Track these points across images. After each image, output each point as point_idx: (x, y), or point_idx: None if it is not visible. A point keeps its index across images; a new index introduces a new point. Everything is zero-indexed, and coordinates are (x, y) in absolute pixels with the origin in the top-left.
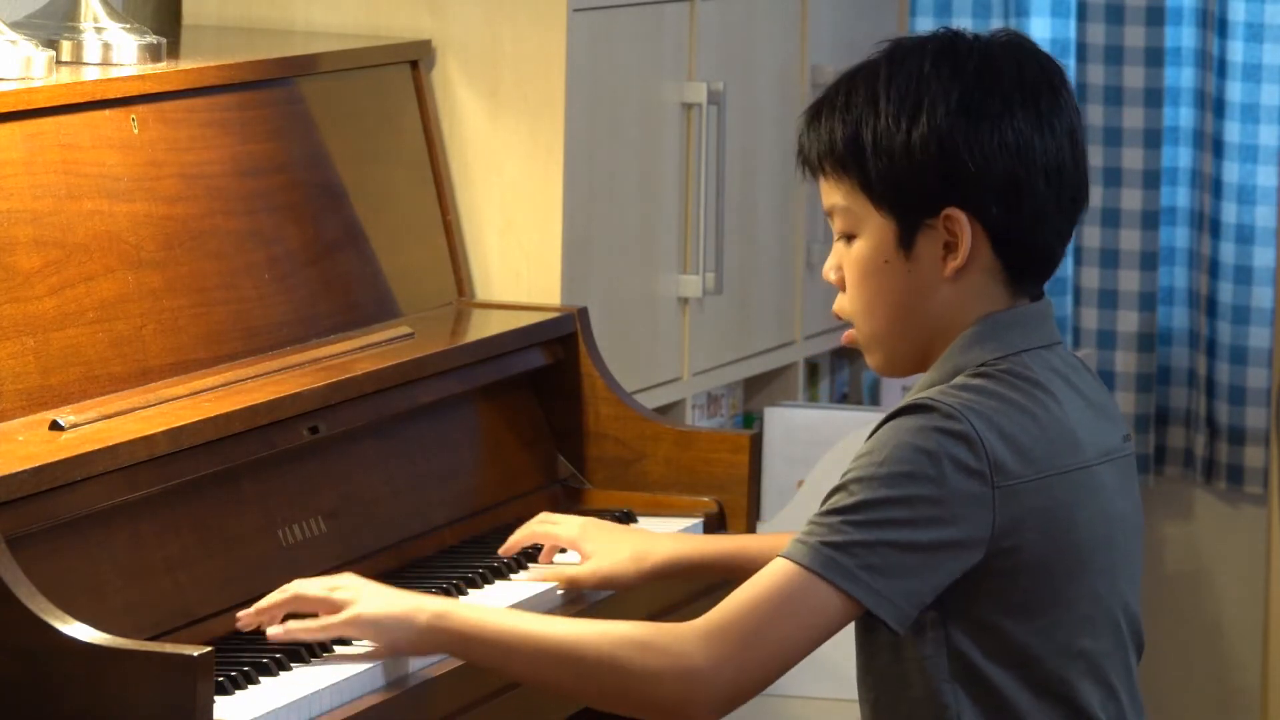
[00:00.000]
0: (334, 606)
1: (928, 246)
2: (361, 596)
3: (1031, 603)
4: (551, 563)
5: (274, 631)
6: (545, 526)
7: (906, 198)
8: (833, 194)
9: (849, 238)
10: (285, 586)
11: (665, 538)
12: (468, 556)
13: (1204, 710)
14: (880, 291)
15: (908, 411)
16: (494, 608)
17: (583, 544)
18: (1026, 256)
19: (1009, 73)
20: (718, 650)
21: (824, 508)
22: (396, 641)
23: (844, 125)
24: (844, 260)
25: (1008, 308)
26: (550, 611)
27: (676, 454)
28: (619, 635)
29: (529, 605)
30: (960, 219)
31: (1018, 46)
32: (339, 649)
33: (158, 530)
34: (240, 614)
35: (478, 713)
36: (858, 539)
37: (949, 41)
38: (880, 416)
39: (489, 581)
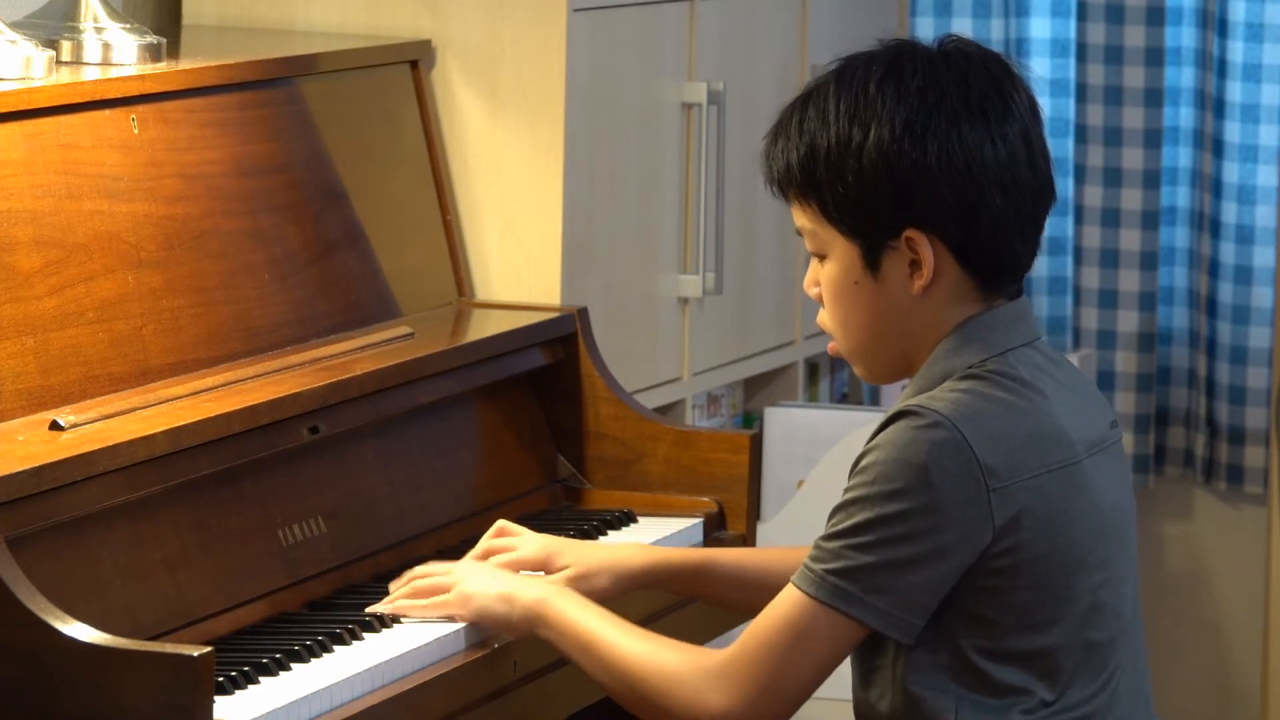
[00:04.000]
0: (444, 588)
1: (893, 266)
2: (468, 575)
3: (1031, 600)
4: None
5: (389, 608)
6: (505, 549)
7: (865, 222)
8: (799, 217)
9: (820, 257)
10: (404, 576)
11: (636, 549)
12: None
13: (1204, 710)
14: (853, 310)
15: (898, 418)
16: (590, 604)
17: (554, 560)
18: (993, 266)
19: (955, 88)
20: (736, 692)
21: (827, 530)
22: (494, 619)
23: (797, 152)
24: (820, 278)
25: (985, 310)
26: None
27: (676, 454)
28: (662, 664)
29: None
30: (921, 240)
31: (964, 54)
32: (338, 648)
33: (158, 530)
34: (370, 610)
35: (478, 713)
36: (860, 563)
37: (895, 59)
38: (880, 416)
39: None
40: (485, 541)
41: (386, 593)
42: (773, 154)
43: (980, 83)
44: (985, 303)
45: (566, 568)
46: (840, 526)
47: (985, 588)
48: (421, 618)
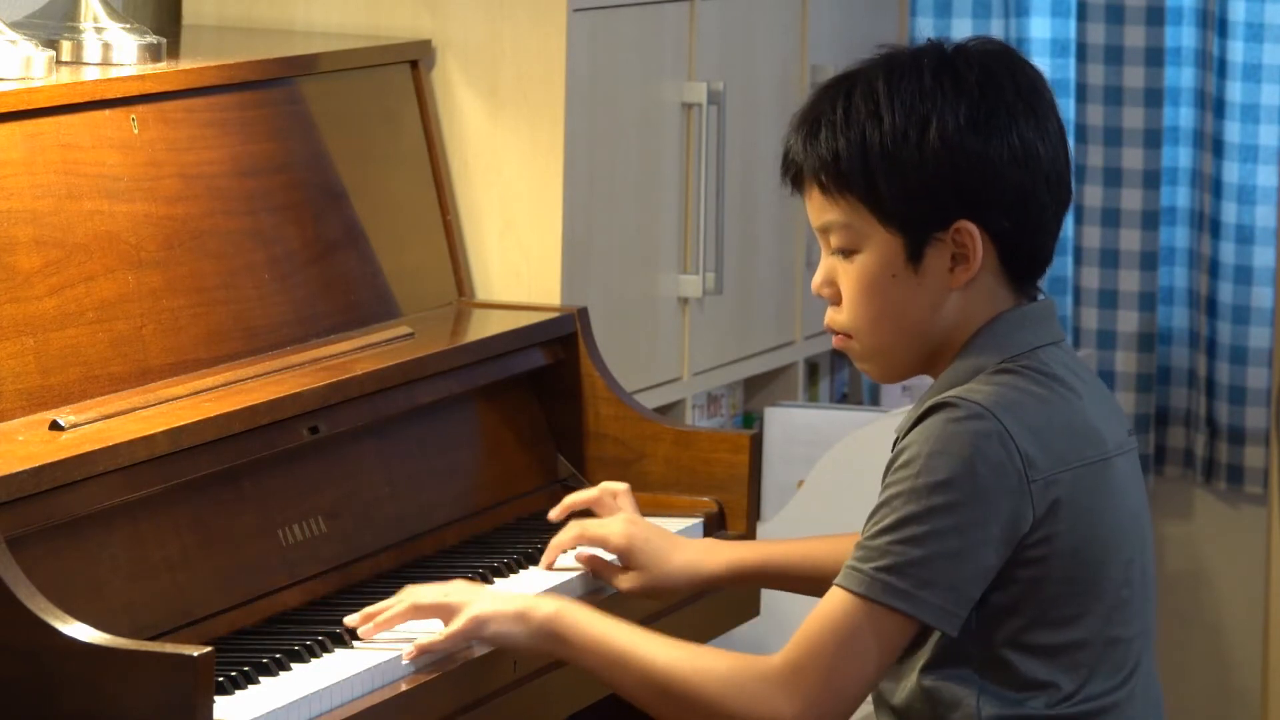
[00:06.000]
0: (450, 611)
1: (936, 259)
2: (476, 597)
3: (1062, 593)
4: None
5: (408, 651)
6: (597, 536)
7: (917, 213)
8: (829, 210)
9: (846, 252)
10: (399, 596)
11: (708, 549)
12: (468, 556)
13: (1204, 710)
14: (888, 305)
15: (936, 410)
16: (607, 617)
17: (631, 557)
18: (1030, 260)
19: (1008, 83)
20: (800, 697)
21: (871, 528)
22: (509, 639)
23: (846, 141)
24: (841, 275)
25: (1012, 308)
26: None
27: (676, 454)
28: (711, 673)
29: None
30: (972, 231)
31: (1008, 55)
32: (338, 649)
33: (158, 530)
34: (351, 621)
35: (478, 713)
36: (909, 557)
37: (944, 54)
38: (880, 416)
39: (489, 581)
40: (573, 530)
41: (388, 593)
42: (811, 144)
43: (1025, 80)
44: (1013, 300)
45: (642, 569)
46: (885, 523)
47: (1018, 579)
48: (441, 650)
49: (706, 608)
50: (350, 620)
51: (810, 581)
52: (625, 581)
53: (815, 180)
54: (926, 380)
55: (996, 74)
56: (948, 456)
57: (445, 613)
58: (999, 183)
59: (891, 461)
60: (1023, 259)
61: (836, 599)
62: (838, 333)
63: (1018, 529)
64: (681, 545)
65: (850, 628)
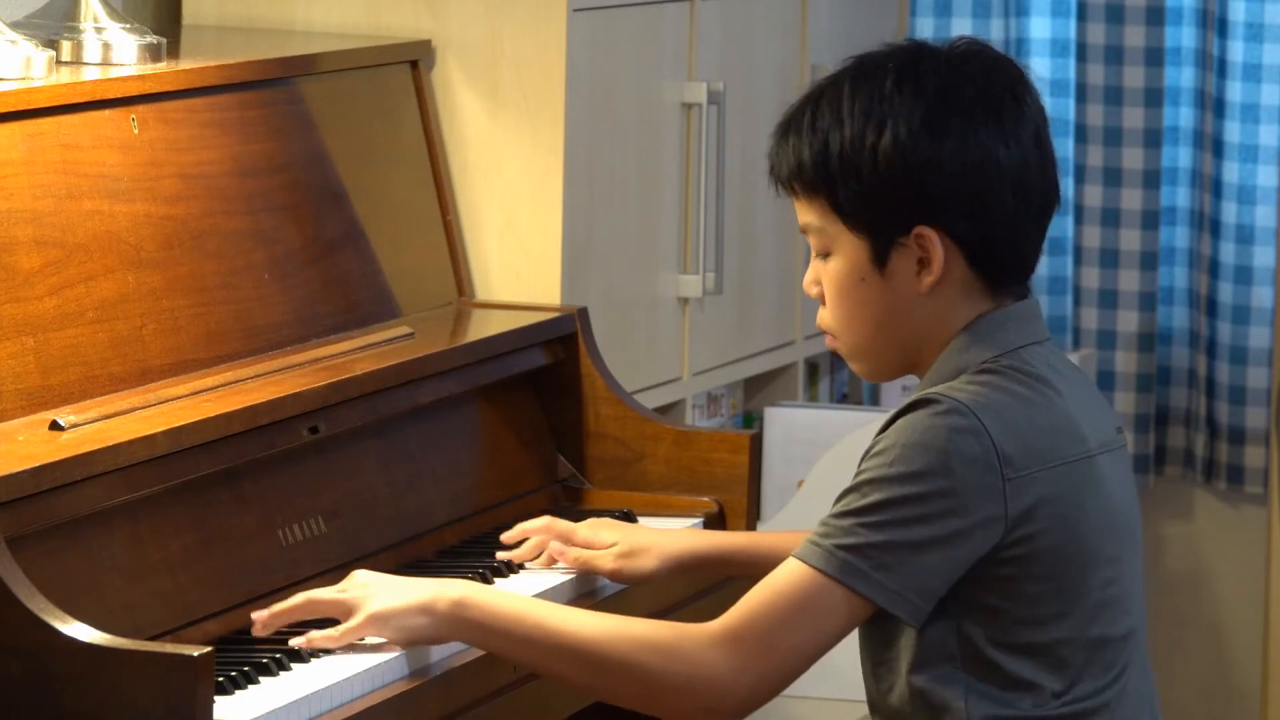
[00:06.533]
0: (348, 609)
1: (902, 263)
2: (374, 593)
3: (1043, 592)
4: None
5: (297, 642)
6: (559, 527)
7: (876, 218)
8: (806, 213)
9: (824, 255)
10: (297, 596)
11: (681, 533)
12: (468, 556)
13: (1204, 710)
14: (859, 307)
15: (916, 406)
16: (515, 595)
17: (597, 536)
18: (1001, 265)
19: (971, 88)
20: (738, 659)
21: (837, 509)
22: (416, 633)
23: (810, 146)
24: (822, 276)
25: (994, 309)
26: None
27: (676, 454)
28: (640, 638)
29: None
30: (931, 236)
31: (980, 57)
32: (338, 649)
33: (158, 530)
34: (255, 615)
35: (477, 713)
36: (872, 541)
37: (912, 57)
38: (880, 416)
39: (488, 581)
40: (540, 532)
41: None
42: (783, 149)
43: (996, 85)
44: (992, 302)
45: (614, 544)
46: (853, 505)
47: (998, 577)
48: (333, 645)
49: (708, 607)
50: (255, 615)
51: (764, 567)
52: (608, 560)
53: (789, 185)
54: None
55: (960, 79)
56: (923, 448)
57: (342, 611)
58: (952, 188)
59: (867, 450)
60: (994, 263)
61: (790, 569)
62: (827, 332)
63: (993, 527)
64: (646, 530)
65: (800, 599)
